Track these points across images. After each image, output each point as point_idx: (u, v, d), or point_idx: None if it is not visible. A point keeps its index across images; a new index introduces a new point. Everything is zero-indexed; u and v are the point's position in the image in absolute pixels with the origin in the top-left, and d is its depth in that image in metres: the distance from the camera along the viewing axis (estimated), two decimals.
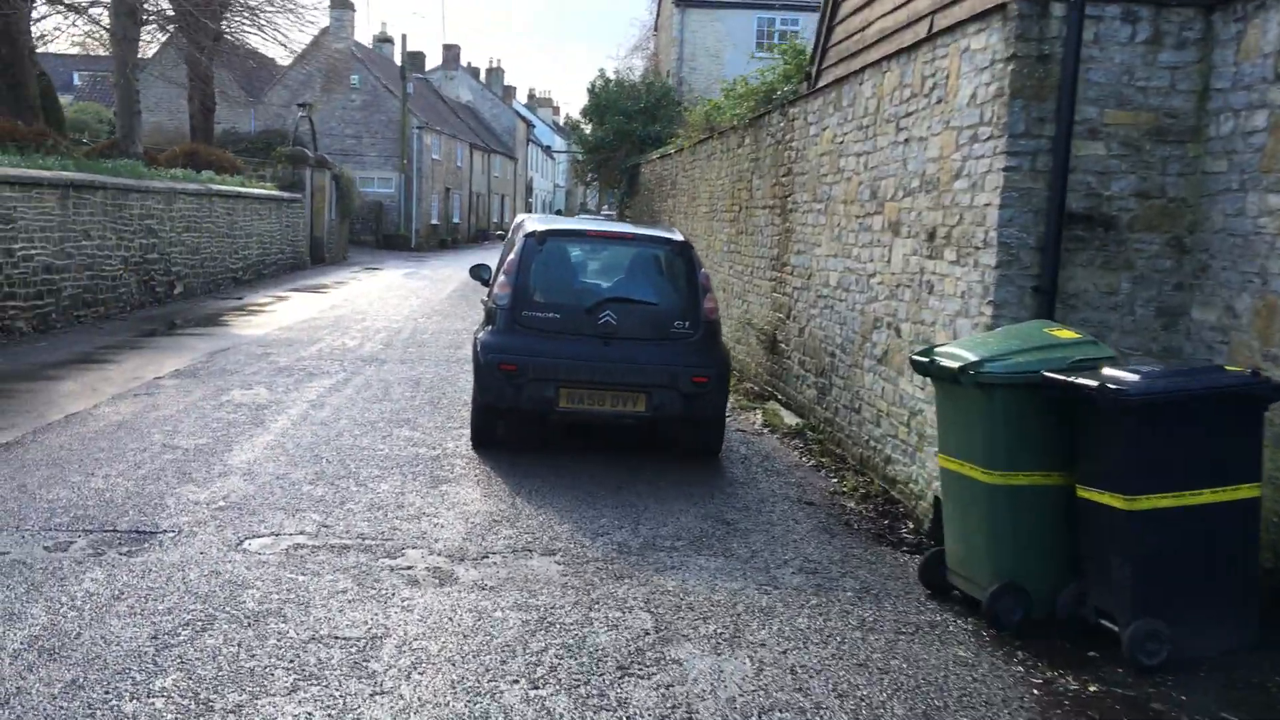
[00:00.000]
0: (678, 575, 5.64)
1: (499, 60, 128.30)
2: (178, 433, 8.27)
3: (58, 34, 42.09)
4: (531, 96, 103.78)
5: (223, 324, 15.87)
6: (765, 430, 10.03)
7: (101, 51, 35.68)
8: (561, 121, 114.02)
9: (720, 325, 8.81)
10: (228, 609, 4.74)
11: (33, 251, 13.31)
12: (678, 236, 8.72)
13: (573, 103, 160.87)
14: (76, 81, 58.66)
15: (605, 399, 8.02)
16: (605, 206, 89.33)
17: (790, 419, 10.29)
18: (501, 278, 8.30)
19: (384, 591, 5.09)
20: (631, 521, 6.61)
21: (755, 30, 33.25)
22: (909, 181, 7.59)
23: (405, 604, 4.96)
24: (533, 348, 8.02)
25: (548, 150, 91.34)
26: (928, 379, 5.98)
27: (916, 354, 5.63)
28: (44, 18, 20.20)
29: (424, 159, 46.10)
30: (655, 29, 38.96)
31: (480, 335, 8.36)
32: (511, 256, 8.37)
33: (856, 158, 8.83)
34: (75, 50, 37.63)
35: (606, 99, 25.65)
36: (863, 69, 8.81)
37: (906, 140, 7.69)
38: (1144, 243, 6.15)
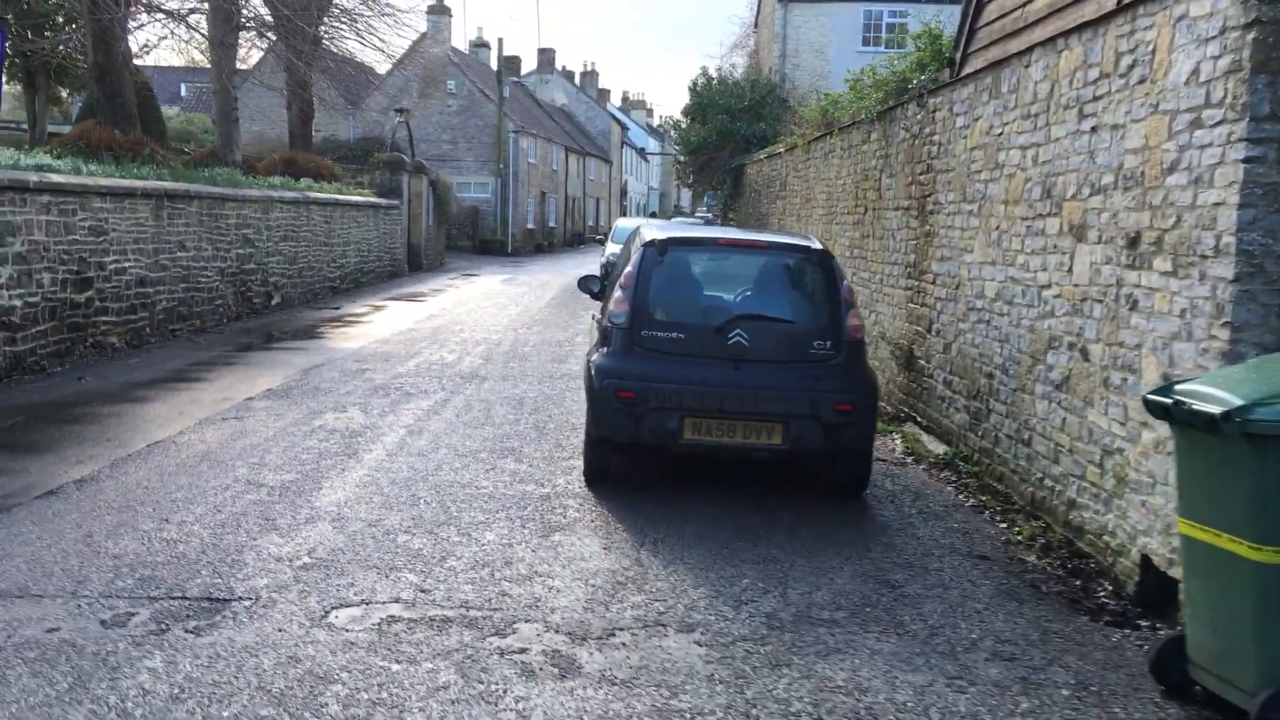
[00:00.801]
0: (846, 662, 4.61)
1: (593, 64, 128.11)
2: (264, 466, 7.52)
3: (159, 44, 42.49)
4: (625, 99, 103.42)
5: (319, 336, 15.30)
6: (908, 459, 8.93)
7: (206, 63, 36.06)
8: (656, 124, 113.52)
9: (865, 345, 7.76)
10: (306, 716, 3.87)
11: (126, 264, 12.85)
12: (816, 244, 7.69)
13: (666, 105, 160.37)
14: (184, 93, 59.92)
15: (736, 430, 7.03)
16: (700, 208, 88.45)
17: (935, 446, 9.17)
18: (618, 293, 7.37)
19: (493, 688, 4.17)
20: (778, 584, 5.60)
21: (862, 23, 31.93)
22: (1098, 177, 6.43)
23: (520, 708, 4.03)
24: (654, 372, 7.08)
25: (642, 153, 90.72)
26: (1161, 420, 4.83)
27: (1152, 393, 4.51)
28: (142, 25, 19.95)
29: (520, 163, 45.69)
30: (755, 25, 37.83)
31: (594, 358, 7.45)
32: (628, 268, 7.44)
33: (1021, 151, 7.68)
34: (183, 63, 38.03)
35: (709, 97, 24.65)
36: (1029, 49, 7.66)
37: (1094, 129, 6.53)
38: None
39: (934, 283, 9.68)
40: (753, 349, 7.12)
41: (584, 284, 9.51)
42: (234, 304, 16.44)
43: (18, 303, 10.59)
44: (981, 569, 6.10)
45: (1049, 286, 7.11)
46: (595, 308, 20.74)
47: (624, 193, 79.81)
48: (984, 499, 7.66)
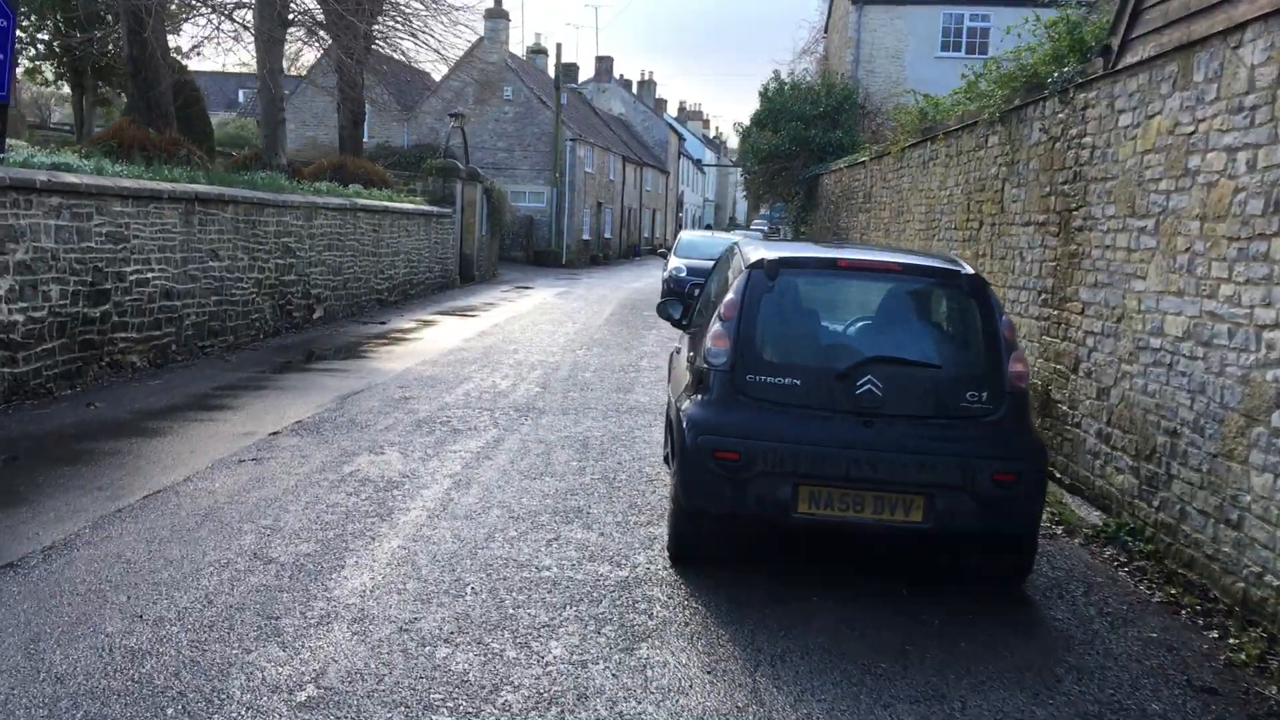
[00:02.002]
0: None
1: (650, 73, 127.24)
2: (277, 531, 6.11)
3: (205, 43, 41.78)
4: (682, 109, 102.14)
5: (361, 356, 13.97)
6: (1056, 528, 7.34)
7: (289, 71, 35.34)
8: (712, 135, 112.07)
9: (1030, 398, 6.21)
10: None
11: (149, 274, 11.60)
12: (966, 268, 6.14)
13: (723, 116, 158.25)
14: (241, 99, 59.65)
15: (865, 504, 5.52)
16: (757, 220, 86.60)
17: (1087, 513, 7.57)
18: (716, 326, 5.87)
19: None
20: None
21: (940, 27, 30.21)
22: None
23: None
24: (762, 428, 5.58)
25: (698, 164, 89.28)
26: None
27: None
28: (186, 19, 18.87)
29: (576, 172, 44.42)
30: (825, 30, 36.21)
31: (684, 406, 5.96)
32: (730, 296, 5.94)
33: (1228, 154, 6.08)
34: (236, 66, 37.30)
35: (780, 103, 23.12)
36: (1239, 26, 6.07)
37: None
38: None
39: (1082, 313, 8.09)
40: (888, 400, 5.60)
41: (664, 309, 8.04)
42: (272, 318, 15.18)
43: (19, 318, 9.34)
44: (1214, 711, 4.51)
45: (1275, 327, 5.52)
46: (662, 328, 19.34)
47: (680, 204, 78.39)
48: (1173, 592, 6.05)
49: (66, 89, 27.43)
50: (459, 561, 5.74)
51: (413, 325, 17.95)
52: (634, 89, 75.40)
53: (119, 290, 10.99)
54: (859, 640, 4.99)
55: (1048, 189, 8.95)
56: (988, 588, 5.92)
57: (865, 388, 5.60)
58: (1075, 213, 8.31)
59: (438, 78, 42.65)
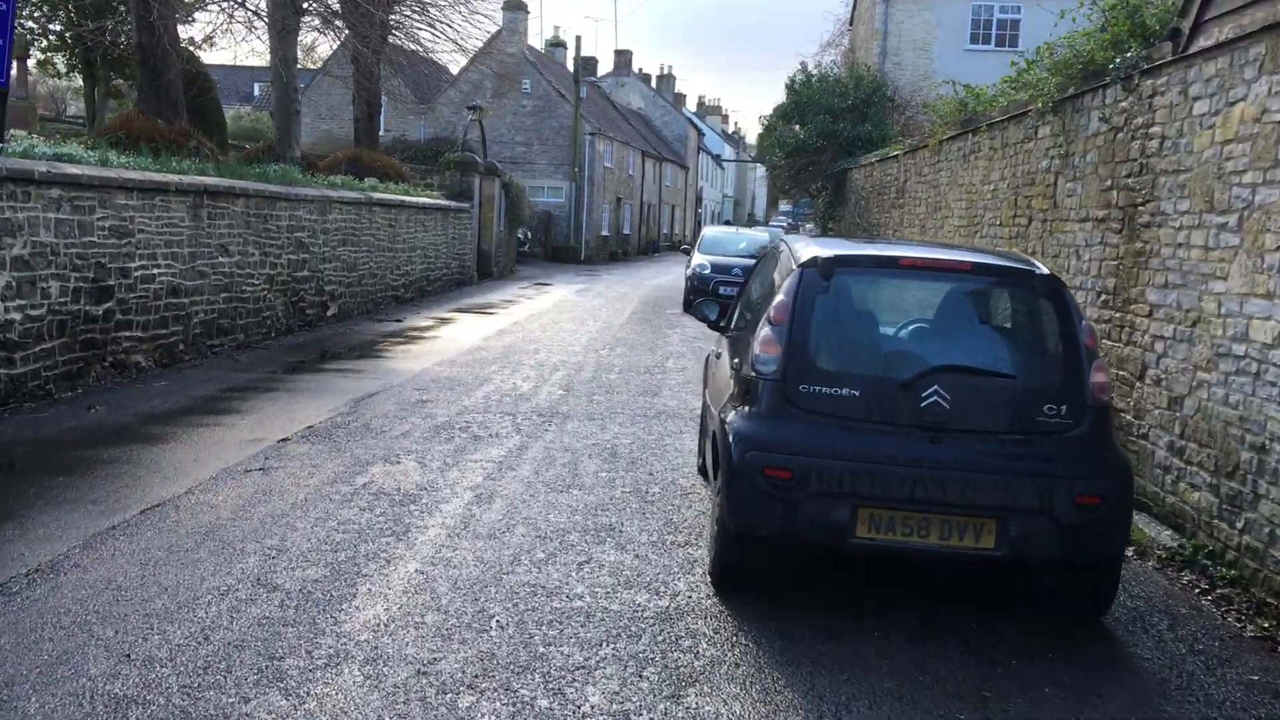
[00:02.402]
0: None
1: (670, 67, 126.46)
2: (283, 552, 5.61)
3: (219, 34, 41.38)
4: (701, 104, 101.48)
5: (376, 355, 13.48)
6: (1128, 551, 6.76)
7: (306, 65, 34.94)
8: (731, 130, 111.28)
9: (1112, 411, 5.65)
10: None
11: (155, 271, 11.13)
12: (1040, 267, 5.57)
13: (742, 111, 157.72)
14: (257, 93, 59.38)
15: (930, 528, 4.98)
16: (776, 216, 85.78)
17: (1158, 532, 7.00)
18: (765, 330, 5.33)
19: None
20: None
21: (970, 20, 29.56)
22: None
23: None
24: (817, 443, 5.05)
25: (717, 159, 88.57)
26: None
27: None
28: (198, 6, 18.40)
29: (595, 167, 43.90)
30: (850, 23, 35.56)
31: (729, 418, 5.42)
32: (780, 298, 5.39)
33: None
34: (254, 61, 36.96)
35: (808, 96, 22.50)
36: None
37: None
38: None
39: (1150, 315, 7.51)
40: (956, 414, 5.05)
41: (698, 310, 7.49)
42: (284, 316, 14.71)
43: (16, 316, 8.87)
44: None
45: None
46: (686, 327, 18.81)
47: (699, 200, 77.76)
48: (1266, 625, 5.49)
49: (80, 81, 27.00)
50: (482, 589, 5.21)
51: (430, 323, 17.46)
52: (653, 83, 74.79)
53: (123, 287, 10.51)
54: (931, 686, 4.45)
55: (1108, 183, 8.37)
56: (1064, 619, 5.37)
57: (931, 400, 5.05)
58: (1141, 208, 7.73)
59: (455, 70, 42.17)
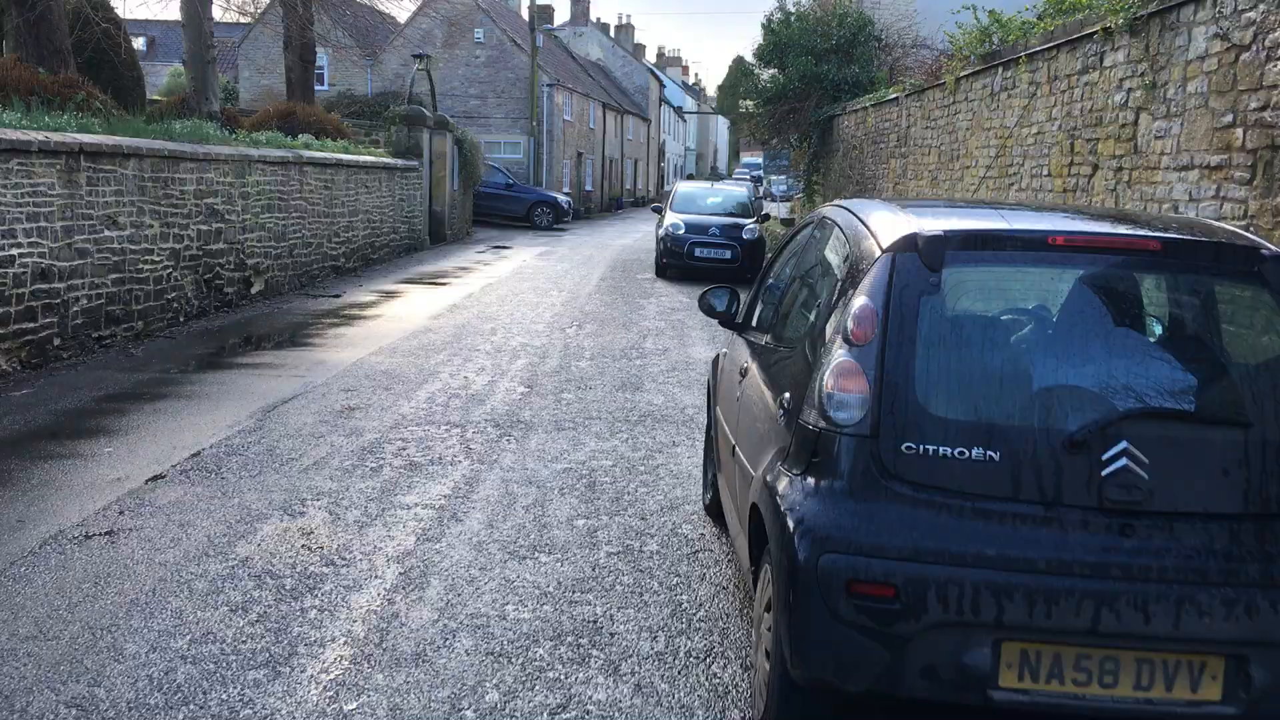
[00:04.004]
0: None
1: (628, 16, 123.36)
2: (86, 716, 3.59)
3: None
4: (660, 55, 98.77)
5: (305, 342, 11.39)
6: None
7: (240, 18, 32.16)
8: (691, 81, 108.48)
9: None
10: None
11: (15, 251, 8.96)
12: (1264, 243, 3.62)
13: (703, 63, 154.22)
14: None
15: (1121, 671, 3.09)
16: (739, 169, 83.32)
17: None
18: (840, 354, 3.34)
19: None
20: None
21: None
22: None
23: None
24: (935, 539, 3.12)
25: (679, 111, 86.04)
26: None
27: None
28: None
29: (555, 120, 41.49)
30: None
31: (784, 490, 3.45)
32: (862, 301, 3.39)
33: None
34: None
35: (788, 36, 20.38)
36: None
37: None
38: None
39: None
40: (1158, 487, 3.13)
41: (705, 301, 5.50)
42: (195, 296, 12.53)
43: None
44: None
45: None
46: (661, 296, 16.73)
47: (662, 153, 75.38)
48: None
49: None
50: None
51: (372, 298, 15.33)
52: (611, 33, 72.05)
53: None
54: None
55: (1229, 118, 6.43)
56: None
57: (1119, 464, 3.12)
58: None
59: (403, 20, 39.56)
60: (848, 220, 4.02)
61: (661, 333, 12.90)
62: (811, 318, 3.94)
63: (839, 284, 3.69)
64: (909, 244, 3.43)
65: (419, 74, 26.64)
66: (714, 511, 5.84)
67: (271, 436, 7.32)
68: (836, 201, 4.57)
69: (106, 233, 10.45)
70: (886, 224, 3.67)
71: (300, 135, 18.52)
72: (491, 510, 5.89)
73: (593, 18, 68.71)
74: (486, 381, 9.50)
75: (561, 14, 65.57)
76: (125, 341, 10.72)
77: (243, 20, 36.02)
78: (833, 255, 4.05)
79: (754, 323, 5.13)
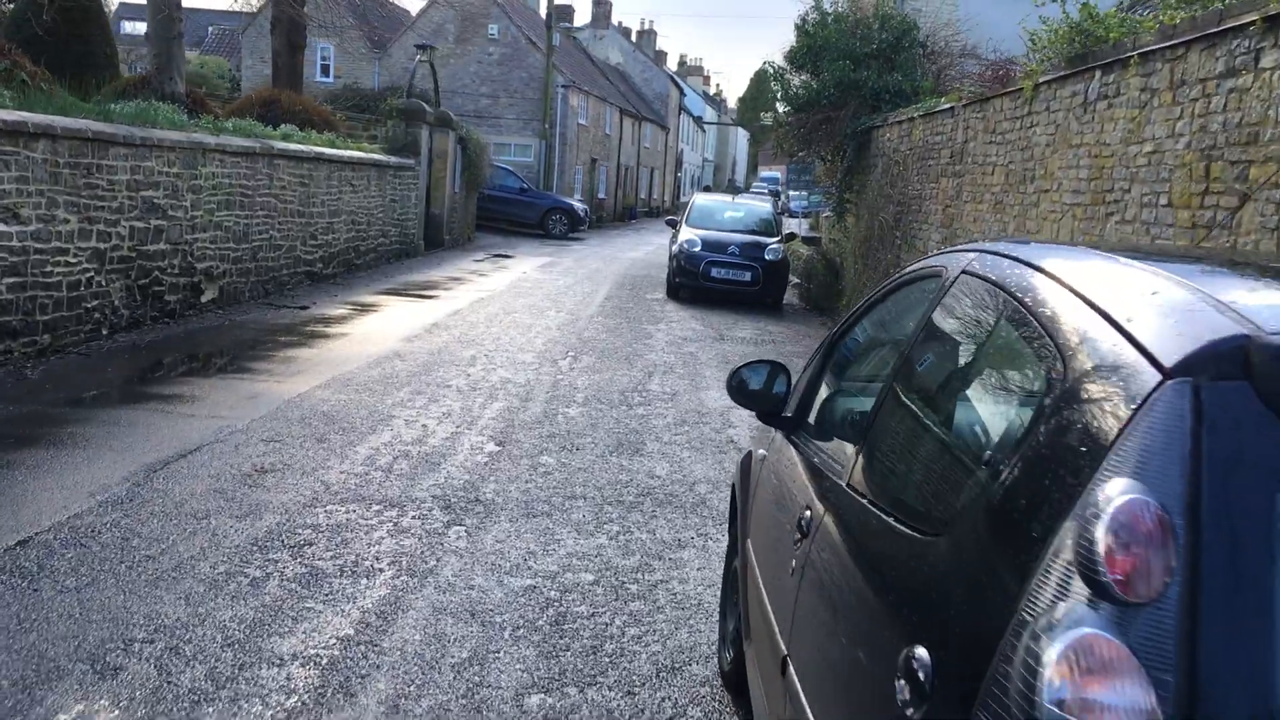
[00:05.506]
0: None
1: (651, 21, 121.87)
2: None
3: None
4: (682, 63, 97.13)
5: (244, 368, 9.49)
6: None
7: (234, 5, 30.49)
8: (712, 92, 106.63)
9: None
10: None
11: None
12: None
13: (725, 73, 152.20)
14: (209, 35, 55.48)
15: None
16: (757, 183, 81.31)
17: None
18: (1084, 627, 1.42)
19: None
20: None
21: None
22: None
23: None
24: None
25: (698, 121, 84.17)
26: None
27: None
28: None
29: (569, 123, 39.63)
30: None
31: None
32: (1129, 500, 1.46)
33: None
34: (218, 6, 32.60)
35: (824, 39, 18.48)
36: None
37: None
38: None
39: None
40: None
41: (735, 382, 3.59)
42: (125, 305, 10.63)
43: None
44: None
45: None
46: (672, 322, 14.73)
47: (680, 163, 73.50)
48: None
49: None
50: None
51: (344, 311, 13.43)
52: (633, 38, 70.29)
53: None
54: None
55: None
56: None
57: None
58: None
59: (414, 12, 37.84)
60: (1028, 284, 2.09)
61: (670, 369, 10.98)
62: (970, 485, 2.00)
63: (1041, 431, 1.75)
64: (1229, 359, 1.51)
65: (420, 64, 24.81)
66: (734, 682, 3.93)
67: (140, 514, 5.41)
68: (974, 244, 2.64)
69: (3, 228, 8.57)
70: (1145, 305, 1.74)
71: (282, 125, 16.69)
72: (404, 674, 3.96)
73: (615, 21, 66.98)
74: (448, 434, 7.58)
75: (583, 15, 63.86)
76: (22, 360, 8.84)
77: (247, 10, 34.39)
78: (1006, 356, 2.12)
79: (818, 424, 3.21)
